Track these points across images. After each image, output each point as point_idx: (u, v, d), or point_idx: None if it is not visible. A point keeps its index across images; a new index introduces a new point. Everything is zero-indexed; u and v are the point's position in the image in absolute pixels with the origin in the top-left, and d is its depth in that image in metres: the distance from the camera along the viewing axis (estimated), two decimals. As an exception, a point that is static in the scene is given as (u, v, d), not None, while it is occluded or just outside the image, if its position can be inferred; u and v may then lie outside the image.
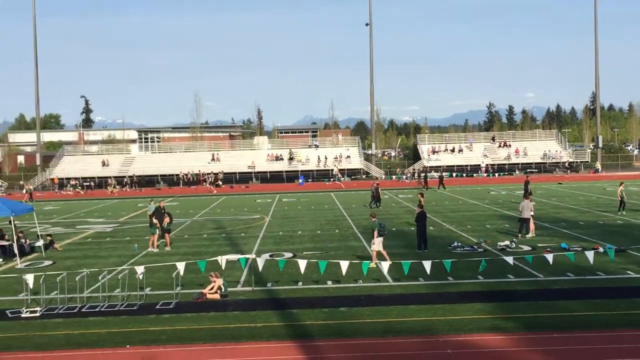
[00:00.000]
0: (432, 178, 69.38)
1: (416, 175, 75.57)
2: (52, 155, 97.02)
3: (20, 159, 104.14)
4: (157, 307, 18.06)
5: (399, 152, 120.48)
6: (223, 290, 19.01)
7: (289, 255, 25.82)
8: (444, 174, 71.59)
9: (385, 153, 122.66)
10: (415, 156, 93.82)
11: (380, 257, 22.63)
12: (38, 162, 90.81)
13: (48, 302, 18.70)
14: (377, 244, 23.24)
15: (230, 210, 47.23)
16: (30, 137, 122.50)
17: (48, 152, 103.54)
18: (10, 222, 28.34)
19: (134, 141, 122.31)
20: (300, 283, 20.52)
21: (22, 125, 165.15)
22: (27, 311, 17.82)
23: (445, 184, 63.09)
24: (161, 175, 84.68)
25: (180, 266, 19.69)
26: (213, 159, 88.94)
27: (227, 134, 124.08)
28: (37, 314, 17.57)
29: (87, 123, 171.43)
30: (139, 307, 18.02)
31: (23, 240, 28.20)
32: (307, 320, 16.28)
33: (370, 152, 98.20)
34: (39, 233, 30.31)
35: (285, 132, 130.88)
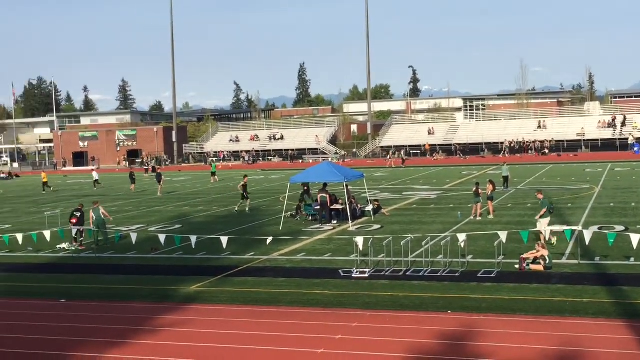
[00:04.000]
0: None
1: None
2: (382, 124, 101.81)
3: (353, 127, 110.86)
4: (479, 275, 18.12)
5: None
6: (547, 262, 18.42)
7: (620, 228, 24.12)
8: None
9: None
10: None
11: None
12: (369, 131, 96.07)
13: (376, 264, 19.77)
14: (544, 223, 21.83)
15: (557, 179, 45.53)
16: (362, 107, 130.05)
17: (378, 121, 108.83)
18: (344, 187, 30.36)
19: (459, 109, 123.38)
20: (632, 259, 19.10)
21: (355, 96, 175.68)
22: (357, 271, 19.02)
23: None
24: (485, 144, 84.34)
25: (503, 235, 19.48)
26: (539, 127, 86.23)
27: (555, 100, 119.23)
28: (366, 275, 18.67)
29: (414, 92, 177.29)
30: (461, 274, 18.24)
31: (355, 205, 30.07)
32: (639, 299, 15.13)
33: None
34: (368, 198, 32.08)
35: (619, 97, 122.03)
